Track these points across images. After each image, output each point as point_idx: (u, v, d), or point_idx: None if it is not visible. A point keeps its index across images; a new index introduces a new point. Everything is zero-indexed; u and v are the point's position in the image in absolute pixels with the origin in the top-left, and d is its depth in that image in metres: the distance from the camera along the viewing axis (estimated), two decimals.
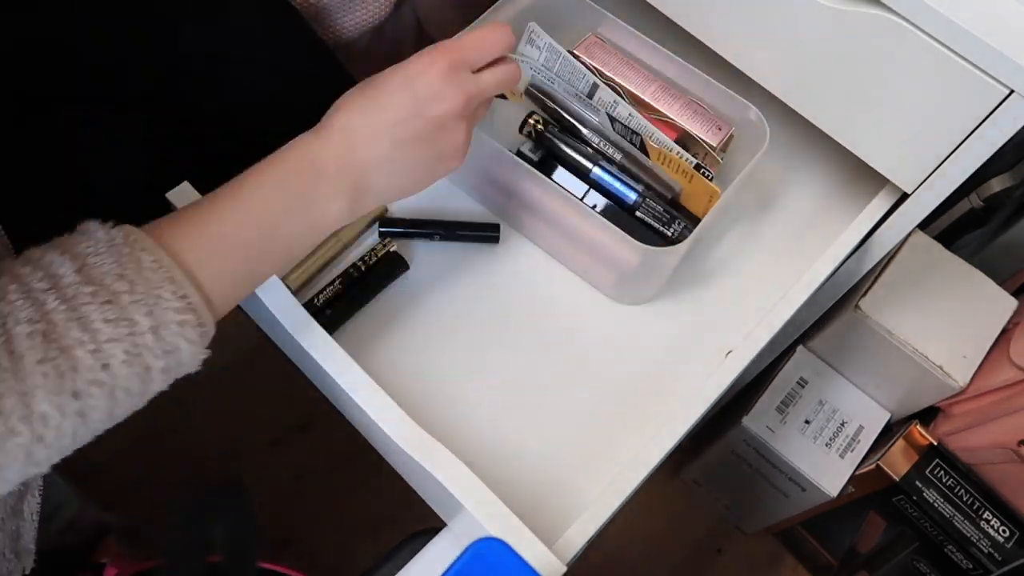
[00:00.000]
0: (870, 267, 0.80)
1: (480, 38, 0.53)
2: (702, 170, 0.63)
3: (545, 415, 0.63)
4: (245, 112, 0.70)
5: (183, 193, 0.60)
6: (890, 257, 0.86)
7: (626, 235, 0.59)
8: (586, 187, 0.65)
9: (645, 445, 0.56)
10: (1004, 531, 0.86)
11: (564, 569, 0.50)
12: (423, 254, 0.68)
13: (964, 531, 0.87)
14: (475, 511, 0.51)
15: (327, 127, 0.49)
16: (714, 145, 0.67)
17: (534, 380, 0.64)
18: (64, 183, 0.67)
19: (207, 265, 0.44)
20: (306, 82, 0.73)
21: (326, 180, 0.48)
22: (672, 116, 0.67)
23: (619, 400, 0.64)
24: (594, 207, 0.64)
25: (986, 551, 0.86)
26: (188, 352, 0.43)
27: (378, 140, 0.49)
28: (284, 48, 0.73)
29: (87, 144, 0.67)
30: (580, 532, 0.53)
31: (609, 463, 0.60)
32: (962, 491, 0.88)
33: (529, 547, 0.50)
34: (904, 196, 0.67)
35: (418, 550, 0.59)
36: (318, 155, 0.48)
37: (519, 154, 0.65)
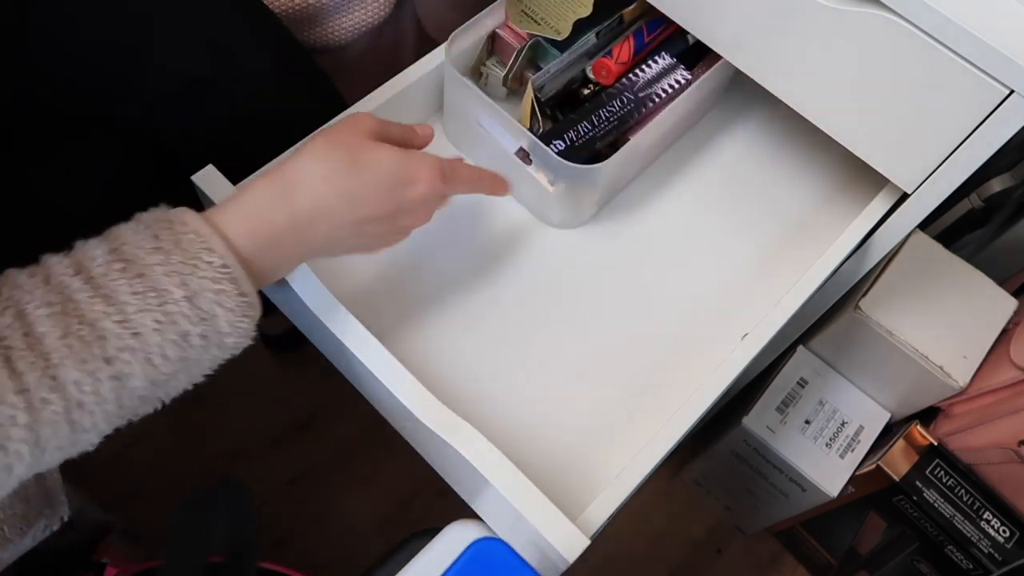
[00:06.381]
0: (870, 267, 0.80)
1: (478, 177, 0.60)
2: None
3: (566, 394, 0.63)
4: (224, 130, 0.69)
5: (208, 175, 0.60)
6: (890, 257, 0.86)
7: None
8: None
9: (665, 423, 0.56)
10: (1004, 531, 0.86)
11: (588, 543, 0.50)
12: (441, 235, 0.67)
13: (964, 531, 0.87)
14: (500, 487, 0.51)
15: (297, 195, 0.49)
16: None
17: (554, 359, 0.65)
18: (37, 210, 0.66)
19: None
20: (287, 94, 0.72)
21: (282, 246, 0.49)
22: None
23: (640, 377, 0.65)
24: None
25: (986, 551, 0.86)
26: (225, 319, 0.44)
27: (344, 229, 0.51)
28: (262, 60, 0.71)
29: (60, 168, 0.67)
30: (601, 508, 0.54)
31: (630, 439, 0.61)
32: (962, 491, 0.88)
33: (554, 522, 0.50)
34: (904, 196, 0.67)
35: (418, 550, 0.58)
36: (280, 224, 0.48)
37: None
